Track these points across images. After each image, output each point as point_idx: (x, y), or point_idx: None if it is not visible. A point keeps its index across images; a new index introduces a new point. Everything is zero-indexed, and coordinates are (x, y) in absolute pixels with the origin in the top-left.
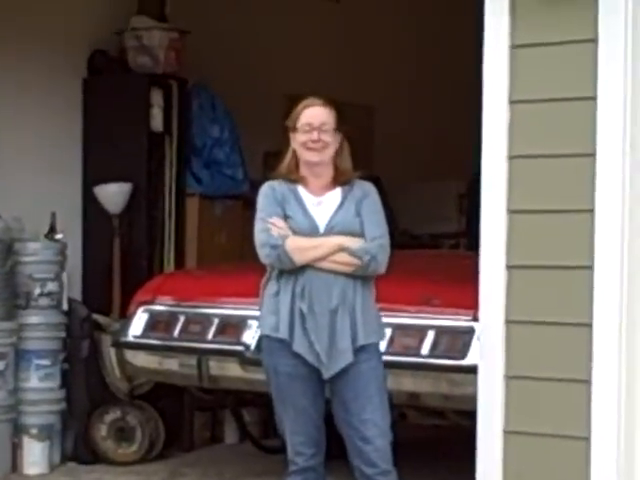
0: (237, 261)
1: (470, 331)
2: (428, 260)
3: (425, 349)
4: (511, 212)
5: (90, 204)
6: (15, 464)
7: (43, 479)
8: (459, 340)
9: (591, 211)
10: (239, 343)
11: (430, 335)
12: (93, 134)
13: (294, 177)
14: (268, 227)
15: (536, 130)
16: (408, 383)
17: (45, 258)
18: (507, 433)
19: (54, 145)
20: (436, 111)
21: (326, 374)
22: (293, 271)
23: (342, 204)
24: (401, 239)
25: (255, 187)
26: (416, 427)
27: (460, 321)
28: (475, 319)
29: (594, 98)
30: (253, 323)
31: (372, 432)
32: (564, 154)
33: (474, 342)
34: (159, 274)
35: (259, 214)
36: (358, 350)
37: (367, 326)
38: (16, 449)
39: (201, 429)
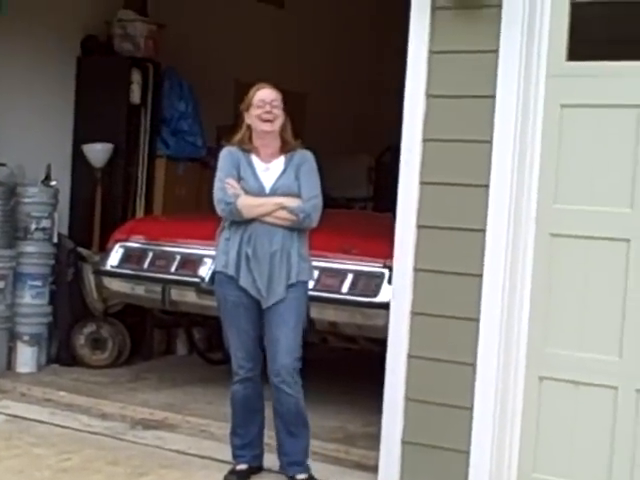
0: (194, 211)
1: (381, 275)
2: (347, 218)
3: (345, 288)
4: (422, 184)
5: (78, 159)
6: (10, 364)
7: (32, 377)
8: (372, 282)
9: (486, 186)
10: (196, 276)
11: (349, 277)
12: (83, 102)
13: (247, 147)
14: (224, 186)
15: (446, 119)
16: (330, 314)
17: (41, 200)
18: (410, 357)
19: (52, 110)
20: (356, 100)
21: (264, 304)
22: (242, 222)
23: (285, 170)
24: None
25: (210, 153)
26: (333, 349)
27: (373, 267)
28: (385, 266)
29: (493, 97)
30: (207, 260)
31: (280, 347)
32: (467, 140)
33: (384, 284)
34: (133, 218)
35: (218, 173)
36: (290, 286)
37: (299, 268)
38: (11, 352)
39: (159, 343)
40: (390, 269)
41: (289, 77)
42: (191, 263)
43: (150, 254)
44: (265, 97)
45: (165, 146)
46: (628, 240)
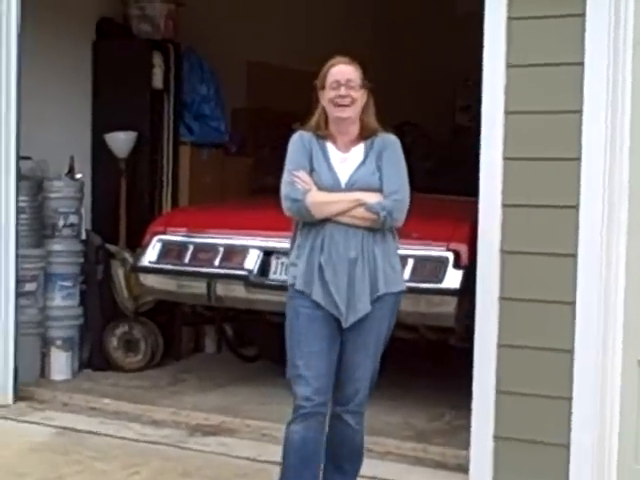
0: (220, 199)
1: (445, 260)
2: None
3: (406, 274)
4: (506, 159)
5: (100, 149)
6: (43, 371)
7: (68, 384)
8: (436, 267)
9: (578, 159)
10: (243, 268)
11: (410, 263)
12: (102, 89)
13: (322, 133)
14: (293, 180)
15: (530, 90)
16: None
17: (67, 195)
18: (501, 346)
19: (69, 98)
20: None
21: (345, 323)
22: (314, 224)
23: (364, 161)
24: None
25: (232, 139)
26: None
27: (437, 251)
28: (448, 249)
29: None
30: (254, 252)
31: (353, 375)
32: (555, 111)
33: (449, 269)
34: (169, 210)
35: (288, 164)
36: (375, 300)
37: (386, 276)
38: (44, 358)
39: (187, 341)
40: (454, 252)
41: (303, 56)
42: (237, 255)
43: (191, 247)
44: (339, 77)
45: (189, 132)
46: None
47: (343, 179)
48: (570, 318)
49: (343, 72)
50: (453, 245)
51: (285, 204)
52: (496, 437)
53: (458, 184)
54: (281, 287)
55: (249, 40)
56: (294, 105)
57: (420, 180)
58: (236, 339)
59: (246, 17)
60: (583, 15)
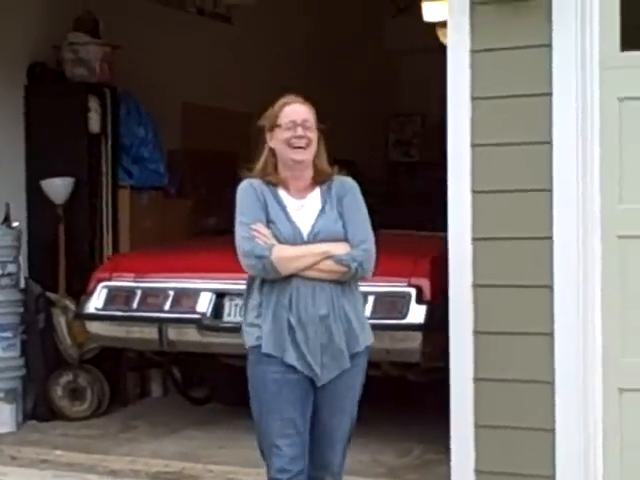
0: (162, 243)
1: (407, 295)
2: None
3: (367, 312)
4: (475, 193)
5: (36, 195)
6: None
7: (15, 436)
8: (398, 303)
9: (549, 190)
10: (195, 312)
11: (370, 300)
12: (36, 134)
13: (274, 180)
14: (252, 235)
15: (497, 122)
16: None
17: (4, 243)
18: (477, 380)
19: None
20: None
21: (319, 383)
22: (277, 280)
23: (323, 207)
24: None
25: (171, 181)
26: None
27: (398, 287)
28: (410, 285)
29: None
30: (206, 294)
31: (332, 440)
32: (524, 142)
33: (412, 304)
34: (116, 254)
35: (241, 217)
36: (353, 356)
37: (362, 330)
38: None
39: (134, 387)
40: (417, 288)
41: (236, 97)
42: (188, 298)
43: (140, 292)
44: (295, 117)
45: (128, 175)
46: None
47: (305, 230)
48: (549, 349)
49: (298, 112)
50: (414, 280)
51: (247, 262)
52: (477, 471)
53: (403, 220)
54: (235, 329)
55: (184, 82)
56: (229, 145)
57: None
58: (184, 381)
59: (181, 59)
60: (549, 45)
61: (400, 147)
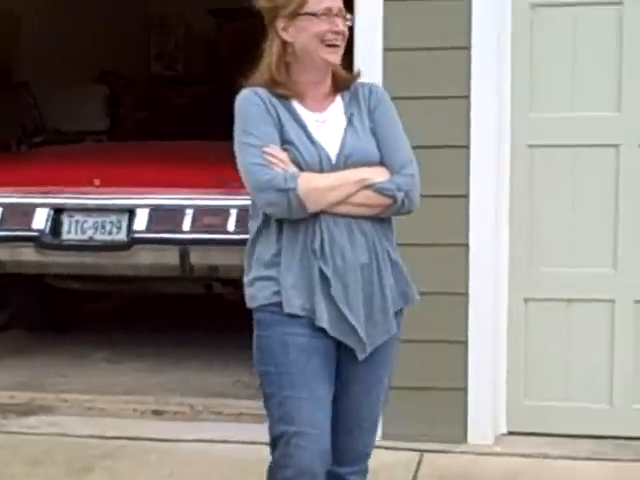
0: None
1: None
2: (182, 150)
3: (230, 226)
4: None
5: None
6: None
7: None
8: None
9: (467, 97)
10: (30, 229)
11: (233, 213)
12: None
13: (287, 91)
14: (267, 160)
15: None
16: (215, 257)
17: None
18: None
19: None
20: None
21: (362, 355)
22: (300, 220)
23: (350, 122)
24: (51, 136)
25: None
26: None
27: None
28: None
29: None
30: (42, 210)
31: (364, 425)
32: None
33: None
34: None
35: (247, 138)
36: (397, 313)
37: (411, 282)
38: None
39: None
40: None
41: None
42: (23, 215)
43: None
44: (332, 3)
45: None
46: (617, 146)
47: (332, 152)
48: (464, 260)
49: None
50: None
51: (266, 197)
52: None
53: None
54: (75, 247)
55: None
56: None
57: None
58: None
59: None
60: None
61: (162, 60)
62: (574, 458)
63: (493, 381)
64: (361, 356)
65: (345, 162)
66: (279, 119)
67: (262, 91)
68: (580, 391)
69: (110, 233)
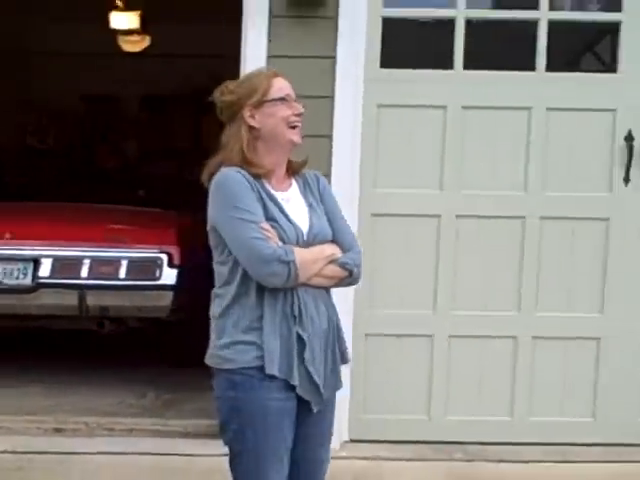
0: None
1: (160, 260)
2: (79, 211)
3: (122, 274)
4: None
5: None
6: None
7: None
8: (152, 266)
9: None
10: None
11: (124, 264)
12: None
13: (260, 170)
14: (266, 235)
15: None
16: (107, 300)
17: None
18: None
19: None
20: None
21: (317, 407)
22: (279, 289)
23: (310, 204)
24: None
25: None
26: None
27: (151, 253)
28: (162, 252)
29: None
30: None
31: (321, 472)
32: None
33: (164, 268)
34: None
35: (241, 214)
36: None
37: (346, 345)
38: None
39: None
40: (167, 254)
41: None
42: None
43: None
44: (289, 90)
45: None
46: (439, 216)
47: (304, 230)
48: None
49: (288, 86)
50: (165, 247)
51: (268, 269)
52: None
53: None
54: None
55: None
56: None
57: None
58: None
59: None
60: (334, 57)
61: (37, 135)
62: (402, 459)
63: (338, 399)
64: (316, 408)
65: (314, 239)
66: (260, 197)
67: (242, 170)
68: (406, 406)
69: (17, 278)
